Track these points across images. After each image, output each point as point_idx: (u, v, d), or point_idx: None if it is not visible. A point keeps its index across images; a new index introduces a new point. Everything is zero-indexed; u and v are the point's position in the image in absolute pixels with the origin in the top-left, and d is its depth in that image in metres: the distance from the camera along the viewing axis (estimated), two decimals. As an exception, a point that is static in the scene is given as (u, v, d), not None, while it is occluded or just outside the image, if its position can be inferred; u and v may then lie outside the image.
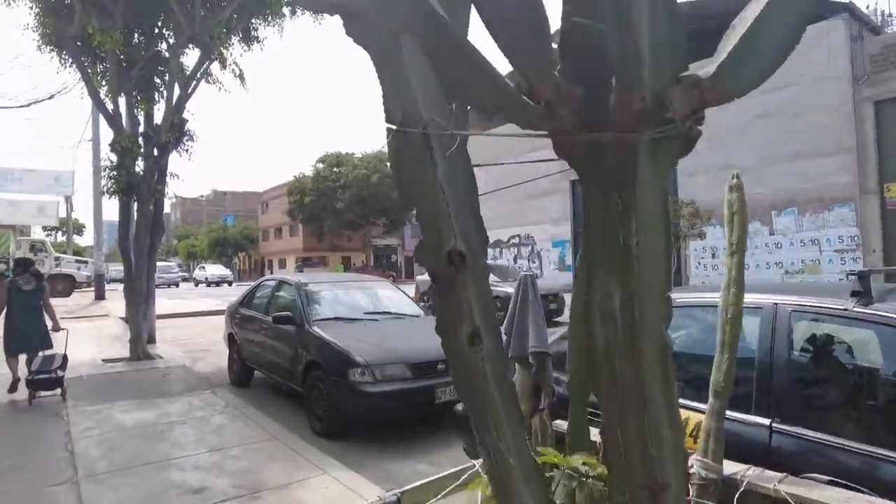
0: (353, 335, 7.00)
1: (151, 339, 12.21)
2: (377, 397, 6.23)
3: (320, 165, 52.50)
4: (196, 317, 19.96)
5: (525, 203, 27.71)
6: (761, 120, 18.78)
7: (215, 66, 12.28)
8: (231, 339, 9.56)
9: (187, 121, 11.71)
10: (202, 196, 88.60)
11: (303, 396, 7.16)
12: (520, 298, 3.29)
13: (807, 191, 18.38)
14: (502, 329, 3.11)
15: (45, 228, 44.89)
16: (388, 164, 50.27)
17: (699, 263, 21.27)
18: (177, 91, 11.61)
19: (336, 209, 50.11)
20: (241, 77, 12.70)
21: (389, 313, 8.16)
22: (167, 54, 11.90)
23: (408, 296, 9.04)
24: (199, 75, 11.81)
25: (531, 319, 3.26)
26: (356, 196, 49.10)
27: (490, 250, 29.13)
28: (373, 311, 8.14)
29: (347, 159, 51.69)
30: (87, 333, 14.38)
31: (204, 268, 52.68)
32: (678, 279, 20.88)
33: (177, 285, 44.42)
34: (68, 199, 35.61)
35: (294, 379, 7.39)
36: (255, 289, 9.59)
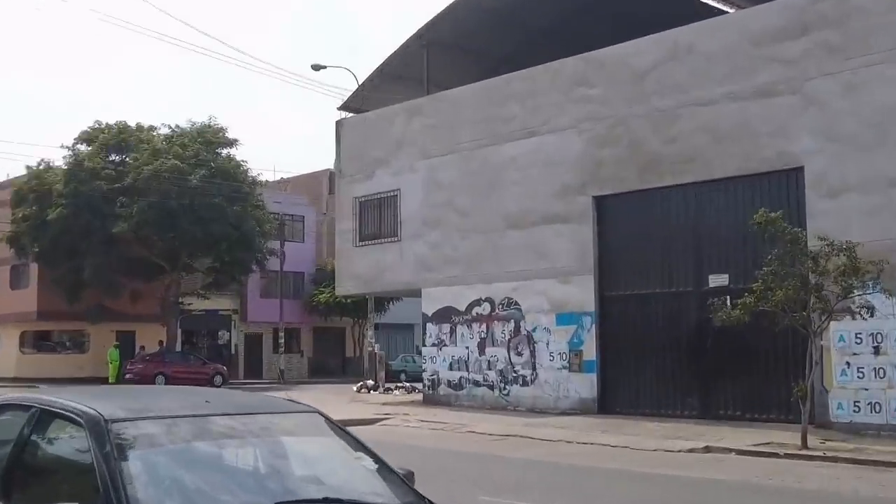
0: None
1: None
2: None
3: (83, 148, 33.70)
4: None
5: (504, 238, 22.82)
6: None
7: None
8: None
9: None
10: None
11: None
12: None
13: None
14: None
15: None
16: (226, 150, 35.22)
17: (847, 366, 16.55)
18: None
19: (110, 236, 32.05)
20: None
21: None
22: None
23: (373, 457, 4.36)
24: None
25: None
26: (155, 211, 32.52)
27: (431, 328, 24.21)
28: None
29: (139, 136, 34.91)
30: None
31: None
32: (783, 393, 16.34)
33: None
34: None
35: None
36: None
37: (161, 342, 40.23)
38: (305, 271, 48.56)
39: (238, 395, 5.17)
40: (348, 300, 42.45)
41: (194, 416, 4.13)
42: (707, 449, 14.89)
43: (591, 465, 13.43)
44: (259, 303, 46.47)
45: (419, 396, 27.67)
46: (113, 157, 37.07)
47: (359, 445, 4.34)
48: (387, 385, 31.65)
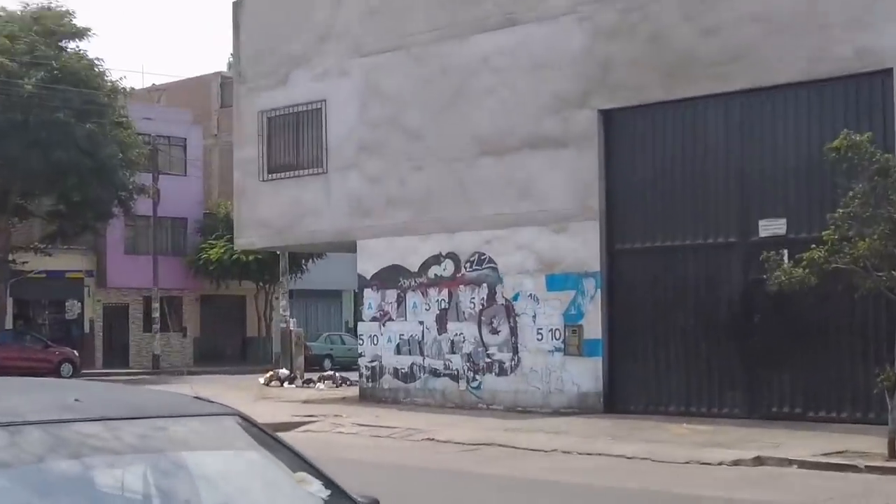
0: None
1: None
2: None
3: None
4: None
5: (473, 169, 23.00)
6: None
7: None
8: None
9: None
10: None
11: None
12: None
13: None
14: None
15: None
16: (73, 43, 36.02)
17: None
18: None
19: None
20: None
21: None
22: None
23: (322, 480, 4.34)
24: None
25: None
26: None
27: (370, 295, 24.69)
28: None
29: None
30: None
31: None
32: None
33: None
34: None
35: None
36: None
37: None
38: (189, 217, 48.44)
39: (119, 389, 4.94)
40: (250, 258, 42.42)
41: (54, 421, 3.88)
42: (758, 461, 14.94)
43: (604, 484, 13.46)
44: (123, 261, 45.97)
45: (353, 391, 27.69)
46: None
47: (300, 462, 4.26)
48: (307, 376, 31.73)
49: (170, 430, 4.18)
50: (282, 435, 15.56)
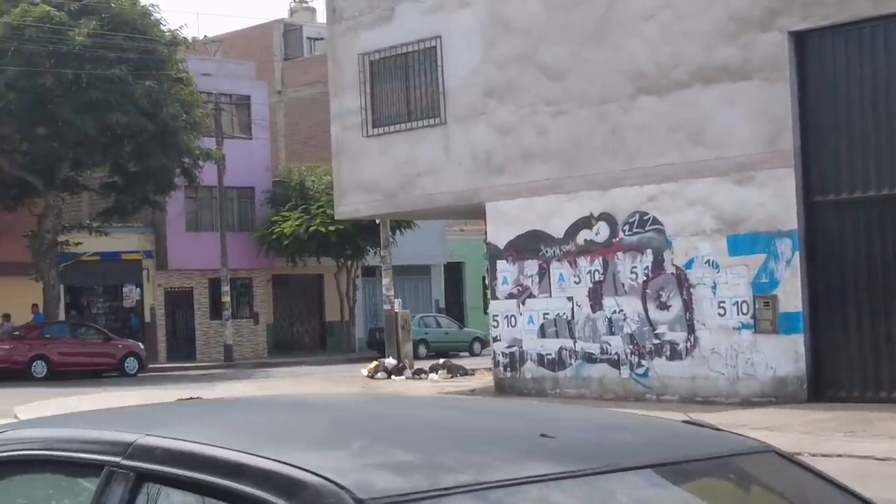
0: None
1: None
2: None
3: None
4: None
5: (630, 112, 22.38)
6: None
7: None
8: None
9: None
10: None
11: None
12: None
13: None
14: None
15: None
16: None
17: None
18: None
19: None
20: None
21: None
22: None
23: None
24: None
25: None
26: (17, 93, 34.57)
27: (504, 268, 24.05)
28: None
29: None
30: None
31: None
32: None
33: None
34: None
35: None
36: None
37: (35, 306, 39.73)
38: (257, 186, 48.07)
39: (578, 413, 4.27)
40: (330, 228, 41.98)
41: (538, 479, 2.88)
42: None
43: (870, 495, 11.95)
44: (185, 239, 45.60)
45: (476, 381, 27.42)
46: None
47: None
48: (416, 364, 31.56)
49: (723, 482, 3.31)
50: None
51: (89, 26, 34.79)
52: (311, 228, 43.25)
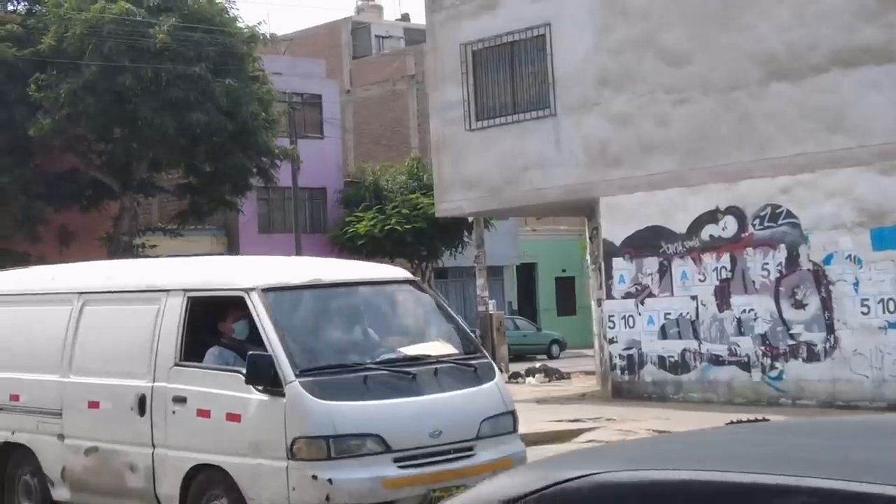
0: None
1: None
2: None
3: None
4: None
5: (761, 99, 21.65)
6: None
7: None
8: None
9: None
10: None
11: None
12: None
13: None
14: None
15: None
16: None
17: None
18: None
19: (22, 139, 35.04)
20: None
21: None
22: None
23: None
24: None
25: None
26: (96, 95, 34.32)
27: (621, 266, 23.68)
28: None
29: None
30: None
31: None
32: None
33: None
34: None
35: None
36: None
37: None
38: (329, 186, 47.76)
39: None
40: (406, 227, 41.82)
41: None
42: None
43: None
44: (258, 242, 44.51)
45: (578, 385, 26.94)
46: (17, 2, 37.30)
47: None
48: (511, 368, 31.09)
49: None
50: (562, 448, 13.92)
51: (168, 23, 34.20)
52: (387, 227, 42.61)
